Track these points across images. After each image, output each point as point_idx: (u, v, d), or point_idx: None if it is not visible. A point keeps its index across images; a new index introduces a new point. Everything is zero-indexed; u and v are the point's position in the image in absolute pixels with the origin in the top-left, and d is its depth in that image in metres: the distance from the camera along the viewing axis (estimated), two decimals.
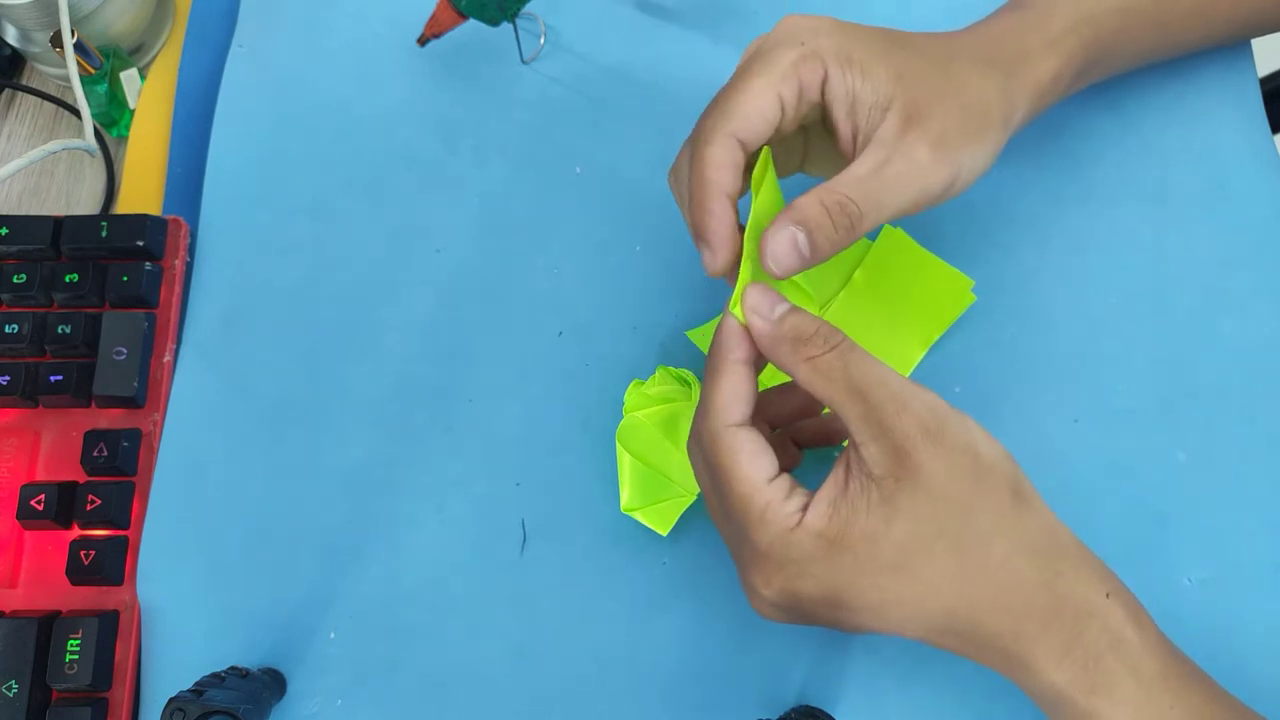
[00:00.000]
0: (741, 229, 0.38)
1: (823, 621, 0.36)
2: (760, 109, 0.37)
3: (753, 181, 0.39)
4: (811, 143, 0.43)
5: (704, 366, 0.38)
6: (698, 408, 0.38)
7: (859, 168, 0.37)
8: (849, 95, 0.38)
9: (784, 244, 0.36)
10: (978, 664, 0.36)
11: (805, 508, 0.34)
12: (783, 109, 0.38)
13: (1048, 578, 0.34)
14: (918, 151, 0.37)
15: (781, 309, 0.36)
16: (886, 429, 0.34)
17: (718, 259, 0.37)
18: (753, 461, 0.35)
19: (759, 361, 0.37)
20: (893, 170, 0.37)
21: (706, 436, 0.36)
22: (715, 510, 0.38)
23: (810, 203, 0.36)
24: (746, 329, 0.36)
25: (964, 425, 0.35)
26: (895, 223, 0.48)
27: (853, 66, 0.38)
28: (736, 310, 0.36)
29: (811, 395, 0.35)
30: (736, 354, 0.36)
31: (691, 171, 0.38)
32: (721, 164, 0.37)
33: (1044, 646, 0.34)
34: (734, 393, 0.36)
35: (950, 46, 0.40)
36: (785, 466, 0.40)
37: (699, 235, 0.38)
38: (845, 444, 0.43)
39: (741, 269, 0.37)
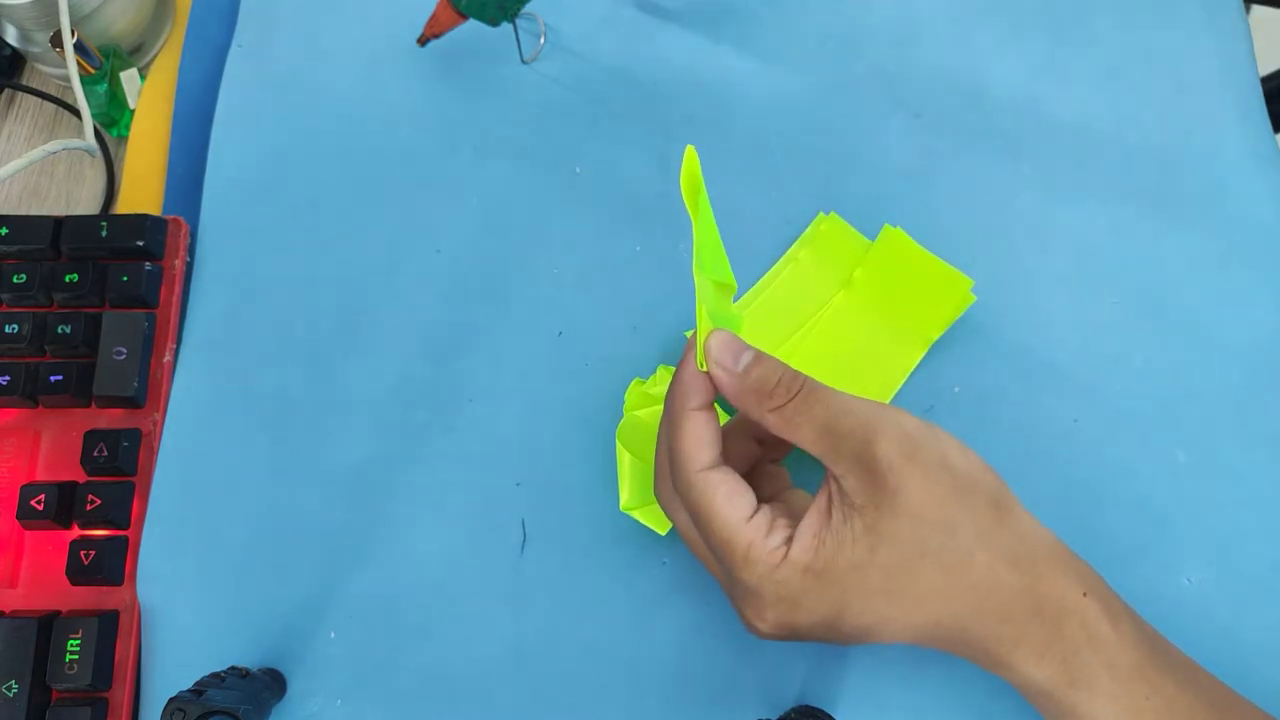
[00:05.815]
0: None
1: (818, 640, 0.36)
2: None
3: (686, 201, 0.36)
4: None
5: (661, 416, 0.38)
6: (661, 457, 0.38)
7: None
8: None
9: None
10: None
11: (789, 540, 0.35)
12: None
13: (1028, 582, 0.35)
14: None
15: (746, 359, 0.36)
16: (861, 459, 0.34)
17: None
18: (729, 502, 0.35)
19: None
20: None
21: (681, 485, 0.36)
22: (699, 552, 0.38)
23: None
24: (705, 377, 0.36)
25: (936, 441, 0.35)
26: (894, 223, 0.48)
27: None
28: (700, 362, 0.36)
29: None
30: (695, 402, 0.36)
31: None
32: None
33: (1024, 648, 0.35)
34: (697, 438, 0.36)
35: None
36: (771, 493, 0.40)
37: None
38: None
39: (698, 315, 0.36)
